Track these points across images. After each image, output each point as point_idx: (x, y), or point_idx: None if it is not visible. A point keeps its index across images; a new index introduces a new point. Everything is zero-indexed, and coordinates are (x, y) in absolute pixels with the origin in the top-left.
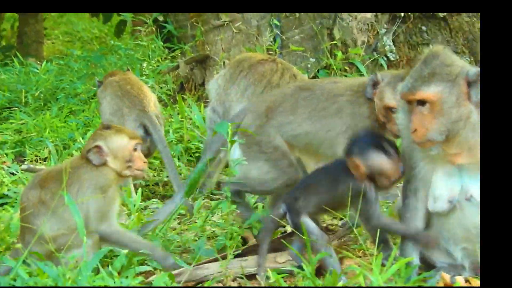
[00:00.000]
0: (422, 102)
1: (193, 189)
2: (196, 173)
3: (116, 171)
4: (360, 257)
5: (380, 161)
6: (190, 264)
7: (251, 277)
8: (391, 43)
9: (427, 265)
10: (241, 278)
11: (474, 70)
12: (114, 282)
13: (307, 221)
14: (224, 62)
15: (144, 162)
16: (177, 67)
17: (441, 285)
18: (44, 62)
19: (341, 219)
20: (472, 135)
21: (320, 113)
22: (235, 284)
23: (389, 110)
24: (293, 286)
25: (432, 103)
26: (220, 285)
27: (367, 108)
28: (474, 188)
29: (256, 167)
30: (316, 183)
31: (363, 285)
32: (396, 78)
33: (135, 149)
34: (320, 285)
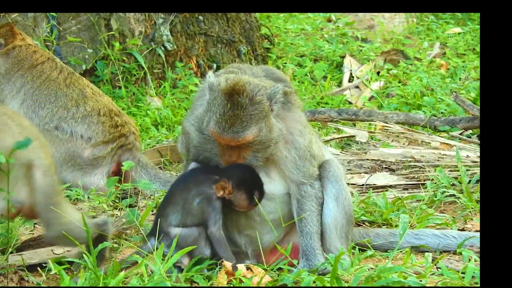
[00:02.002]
0: None
1: None
2: None
3: None
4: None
5: (245, 195)
6: None
7: (32, 269)
8: (169, 33)
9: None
10: (23, 270)
11: (271, 90)
12: None
13: (176, 231)
14: None
15: None
16: None
17: (223, 273)
18: None
19: None
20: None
21: None
22: (17, 277)
23: None
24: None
25: (251, 142)
26: (1, 278)
27: None
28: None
29: None
30: (172, 196)
31: (145, 274)
32: None
33: None
34: (101, 276)
